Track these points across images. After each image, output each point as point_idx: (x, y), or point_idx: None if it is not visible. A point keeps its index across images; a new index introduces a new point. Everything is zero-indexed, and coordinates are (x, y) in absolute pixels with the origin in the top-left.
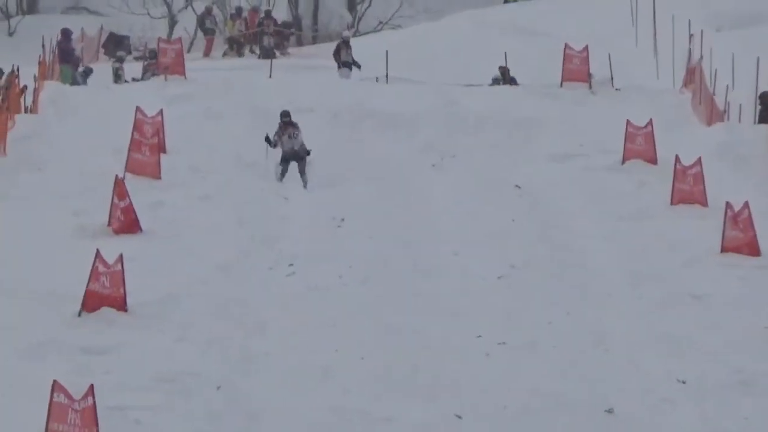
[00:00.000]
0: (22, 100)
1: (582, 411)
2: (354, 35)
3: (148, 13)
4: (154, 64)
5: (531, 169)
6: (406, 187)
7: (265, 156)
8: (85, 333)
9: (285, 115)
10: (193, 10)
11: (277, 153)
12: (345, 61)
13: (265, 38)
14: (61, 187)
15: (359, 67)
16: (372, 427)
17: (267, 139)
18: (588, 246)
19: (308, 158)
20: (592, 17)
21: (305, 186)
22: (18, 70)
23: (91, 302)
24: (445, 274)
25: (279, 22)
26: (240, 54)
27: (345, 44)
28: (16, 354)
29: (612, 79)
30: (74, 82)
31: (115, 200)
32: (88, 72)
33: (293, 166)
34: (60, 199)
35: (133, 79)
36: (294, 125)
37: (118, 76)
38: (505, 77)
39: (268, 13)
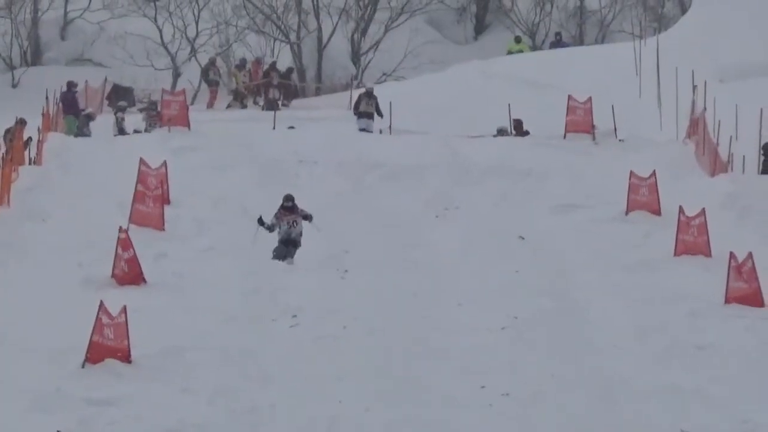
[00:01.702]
0: (26, 152)
1: None
2: (357, 86)
3: (152, 65)
4: (155, 115)
5: (535, 220)
6: (411, 238)
7: (252, 239)
8: (89, 385)
9: (288, 199)
10: (197, 62)
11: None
12: (365, 111)
13: (270, 90)
14: (65, 238)
15: (381, 116)
16: None
17: (260, 221)
18: (592, 297)
19: (311, 223)
20: (595, 69)
21: (286, 260)
22: (25, 122)
23: (95, 354)
24: (450, 326)
25: (284, 71)
26: (243, 105)
27: (367, 95)
28: (20, 405)
29: (615, 130)
30: (79, 132)
31: (119, 252)
32: (91, 117)
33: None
34: (64, 251)
35: (135, 131)
36: (296, 211)
37: (120, 128)
38: (519, 130)
39: (273, 65)
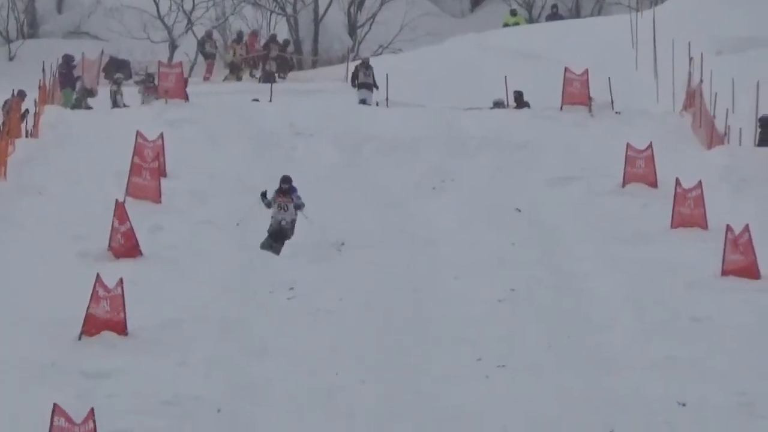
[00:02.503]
0: (23, 125)
1: None
2: (354, 59)
3: (149, 38)
4: (152, 87)
5: (531, 193)
6: (407, 210)
7: (248, 211)
8: (86, 357)
9: (284, 180)
10: (194, 34)
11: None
12: (363, 83)
13: (268, 62)
14: (62, 211)
15: (377, 87)
16: None
17: (263, 194)
18: (588, 270)
19: (301, 212)
20: (592, 41)
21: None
22: (24, 94)
23: (91, 326)
24: (446, 298)
25: (282, 44)
26: (238, 78)
27: (364, 66)
28: (17, 378)
29: (612, 102)
30: (77, 104)
31: (116, 224)
32: (91, 93)
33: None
34: (60, 224)
35: (123, 105)
36: (290, 194)
37: (115, 101)
38: (519, 101)
39: (273, 38)
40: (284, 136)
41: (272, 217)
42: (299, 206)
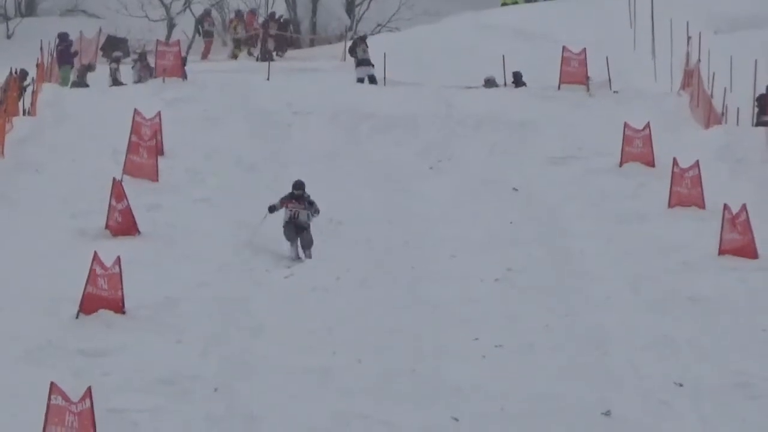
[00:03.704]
0: (20, 103)
1: (579, 413)
2: (351, 38)
3: (147, 16)
4: (145, 65)
5: (529, 172)
6: (404, 189)
7: (260, 222)
8: (83, 335)
9: (297, 186)
10: (192, 13)
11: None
12: (363, 59)
13: (267, 40)
14: (59, 189)
15: (372, 65)
16: (371, 430)
17: (270, 209)
18: (586, 248)
19: (314, 217)
20: (590, 20)
21: (309, 257)
22: (26, 73)
23: (88, 305)
24: (443, 277)
25: (280, 22)
26: (235, 56)
27: (362, 40)
28: (13, 357)
29: (610, 81)
30: (79, 82)
31: (113, 203)
32: (90, 67)
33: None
34: (58, 202)
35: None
36: (302, 201)
37: (114, 79)
38: (518, 82)
39: (272, 16)
40: (282, 115)
41: (284, 219)
42: (314, 211)
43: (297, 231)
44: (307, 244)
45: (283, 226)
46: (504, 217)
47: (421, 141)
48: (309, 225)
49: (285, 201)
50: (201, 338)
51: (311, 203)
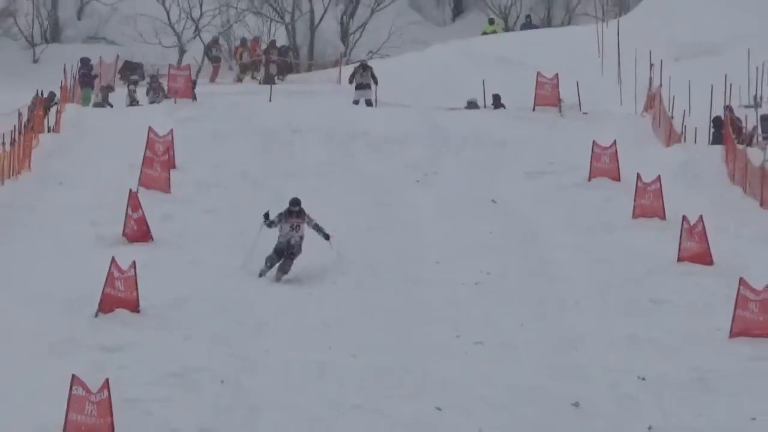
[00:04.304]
0: (45, 121)
1: (551, 404)
2: (346, 63)
3: (160, 43)
4: (157, 85)
5: (506, 185)
6: (394, 200)
7: (256, 235)
8: (102, 332)
9: (294, 203)
10: (201, 40)
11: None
12: (360, 83)
13: (269, 65)
14: (80, 199)
15: (376, 83)
16: (364, 419)
17: (266, 215)
18: (558, 256)
19: (327, 240)
20: (562, 48)
21: (278, 279)
22: (54, 95)
23: (106, 304)
24: (428, 281)
25: (281, 49)
26: (240, 80)
27: (362, 68)
28: (38, 351)
29: (580, 104)
30: (103, 102)
31: (129, 212)
32: (111, 88)
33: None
34: (79, 211)
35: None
36: (301, 216)
37: (132, 98)
38: (497, 103)
39: (273, 43)
40: (283, 133)
41: (280, 236)
42: (321, 230)
43: (282, 256)
44: (285, 270)
45: (274, 248)
46: (484, 226)
47: (410, 157)
48: (298, 254)
49: (284, 217)
50: (208, 335)
51: (311, 219)
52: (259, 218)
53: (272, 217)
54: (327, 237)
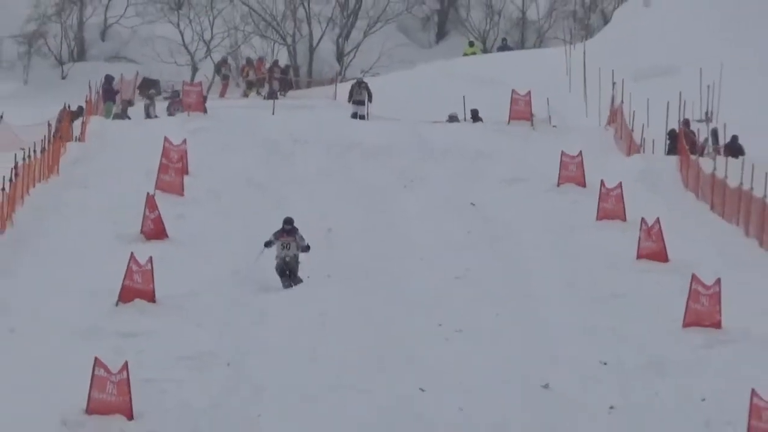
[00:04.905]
0: (71, 131)
1: (523, 386)
2: (341, 81)
3: (175, 62)
4: (178, 101)
5: (484, 191)
6: (383, 203)
7: (254, 260)
8: (121, 320)
9: (287, 222)
10: (212, 59)
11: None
12: (356, 100)
13: (273, 82)
14: (103, 201)
15: (371, 99)
16: (355, 398)
17: (266, 244)
18: (530, 253)
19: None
20: (534, 68)
21: (292, 284)
22: (82, 109)
23: (126, 295)
24: (413, 275)
25: (283, 68)
26: (246, 95)
27: (358, 85)
28: (64, 337)
29: (550, 118)
30: (123, 115)
31: (147, 212)
32: (130, 102)
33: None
34: (101, 211)
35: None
36: (293, 234)
37: (148, 113)
38: (475, 117)
39: (276, 63)
40: (284, 143)
41: (276, 256)
42: (305, 249)
43: (287, 278)
44: (293, 285)
45: (276, 270)
46: (463, 227)
47: (398, 165)
48: (297, 266)
49: (278, 234)
50: (217, 323)
51: (302, 237)
52: (262, 222)
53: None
54: (306, 249)
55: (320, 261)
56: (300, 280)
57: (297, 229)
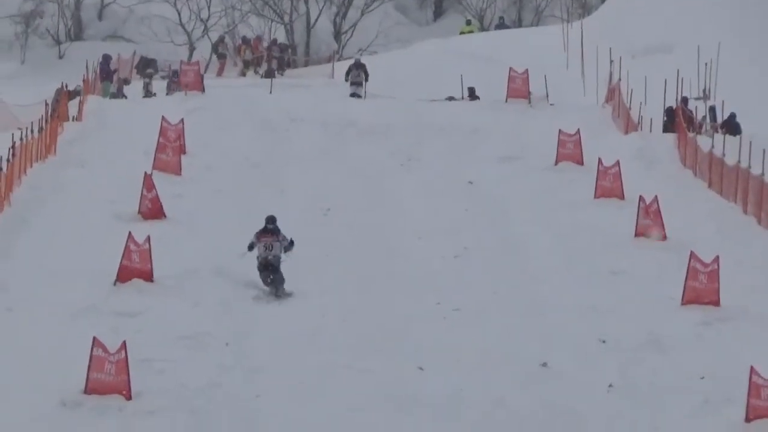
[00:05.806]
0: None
1: (522, 364)
2: (338, 60)
3: (172, 41)
4: (176, 81)
5: (481, 169)
6: (380, 182)
7: (240, 257)
8: (119, 300)
9: (269, 221)
10: (209, 38)
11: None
12: (354, 81)
13: (271, 61)
14: (100, 181)
15: (367, 79)
16: (354, 377)
17: (250, 247)
18: (527, 231)
19: (287, 251)
20: (531, 46)
21: (277, 293)
22: (80, 88)
23: (124, 274)
24: (411, 254)
25: (281, 47)
26: (243, 74)
27: (355, 66)
28: (63, 317)
29: (547, 96)
30: (117, 94)
31: (144, 192)
32: (126, 81)
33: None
34: (99, 191)
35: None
36: (274, 235)
37: (147, 91)
38: (472, 95)
39: (274, 41)
40: (281, 122)
41: (258, 256)
42: (288, 247)
43: (268, 273)
44: (279, 283)
45: (258, 269)
46: (461, 205)
47: (394, 143)
48: (279, 264)
49: (259, 235)
50: (214, 303)
51: (284, 237)
52: (259, 201)
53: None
54: (289, 246)
55: (319, 239)
56: (283, 280)
57: (279, 229)
